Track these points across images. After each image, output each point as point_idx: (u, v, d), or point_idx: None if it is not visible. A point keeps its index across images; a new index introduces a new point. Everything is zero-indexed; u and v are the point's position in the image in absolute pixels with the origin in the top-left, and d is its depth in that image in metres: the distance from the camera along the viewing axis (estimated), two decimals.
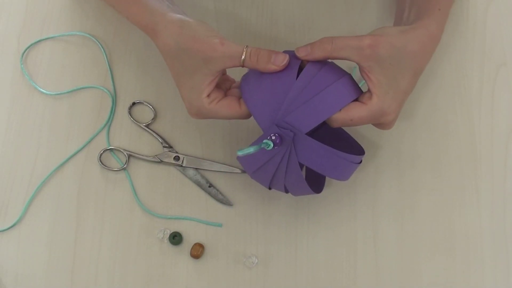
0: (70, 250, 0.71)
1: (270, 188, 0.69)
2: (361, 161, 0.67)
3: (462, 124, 0.77)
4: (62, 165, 0.75)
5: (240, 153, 0.62)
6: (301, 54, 0.63)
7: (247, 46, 0.64)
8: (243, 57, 0.63)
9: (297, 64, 0.63)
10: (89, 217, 0.73)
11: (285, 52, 0.64)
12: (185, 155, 0.75)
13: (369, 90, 0.64)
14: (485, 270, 0.71)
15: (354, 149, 0.70)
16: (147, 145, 0.76)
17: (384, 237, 0.72)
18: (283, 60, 0.63)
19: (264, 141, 0.62)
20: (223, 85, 0.69)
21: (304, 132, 0.62)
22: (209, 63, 0.63)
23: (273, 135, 0.61)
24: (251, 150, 0.62)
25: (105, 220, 0.73)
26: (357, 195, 0.73)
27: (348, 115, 0.63)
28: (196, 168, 0.74)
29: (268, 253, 0.71)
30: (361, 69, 0.64)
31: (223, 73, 0.68)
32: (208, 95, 0.65)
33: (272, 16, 0.82)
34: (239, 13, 0.82)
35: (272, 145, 0.61)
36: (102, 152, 0.75)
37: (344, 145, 0.68)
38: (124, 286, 0.70)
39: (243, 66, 0.64)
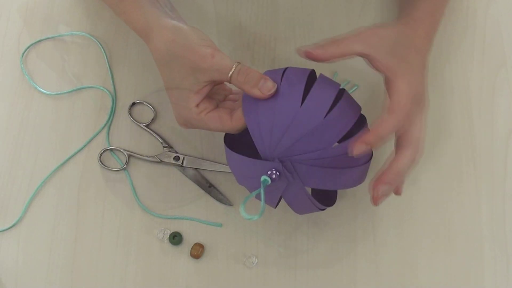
0: (70, 250, 0.71)
1: None
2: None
3: (462, 124, 0.77)
4: (62, 165, 0.75)
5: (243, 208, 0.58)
6: (316, 52, 0.61)
7: (239, 62, 0.62)
8: (231, 72, 0.62)
9: (302, 87, 0.60)
10: (89, 217, 0.73)
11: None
12: (185, 155, 0.75)
13: (389, 97, 0.61)
14: (485, 269, 0.71)
15: (329, 194, 0.69)
16: (147, 145, 0.76)
17: (384, 237, 0.72)
18: (270, 88, 0.60)
19: (264, 177, 0.59)
20: (217, 95, 0.67)
21: (304, 186, 0.60)
22: (197, 72, 0.62)
23: (275, 173, 0.59)
24: (253, 195, 0.60)
25: (105, 220, 0.73)
26: (357, 195, 0.73)
27: (378, 134, 0.59)
28: (196, 168, 0.74)
29: (268, 253, 0.71)
30: (370, 60, 0.62)
31: (216, 83, 0.65)
32: (197, 105, 0.64)
33: (272, 15, 0.82)
34: (239, 13, 0.82)
35: (270, 181, 0.59)
36: (102, 152, 0.75)
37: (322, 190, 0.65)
38: (124, 286, 0.70)
39: (230, 82, 0.62)
